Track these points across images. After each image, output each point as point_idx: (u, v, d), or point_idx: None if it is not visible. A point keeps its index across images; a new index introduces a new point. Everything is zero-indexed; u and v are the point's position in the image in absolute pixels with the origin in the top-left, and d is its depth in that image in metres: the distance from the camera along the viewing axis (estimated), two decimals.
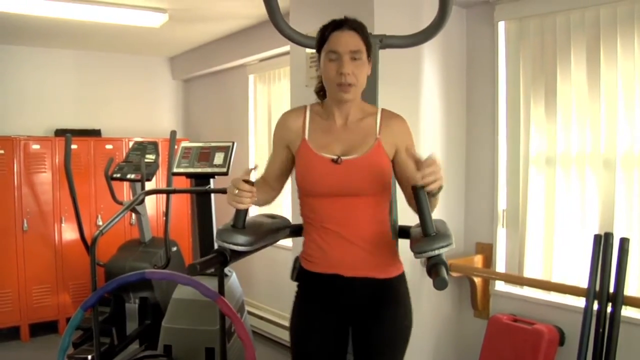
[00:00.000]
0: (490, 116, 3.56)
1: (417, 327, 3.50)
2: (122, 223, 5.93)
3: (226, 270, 4.06)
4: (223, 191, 4.35)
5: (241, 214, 2.06)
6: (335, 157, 2.06)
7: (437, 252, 1.87)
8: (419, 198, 1.84)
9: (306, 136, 2.12)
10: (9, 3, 4.26)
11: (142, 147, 5.05)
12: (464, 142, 3.72)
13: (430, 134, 3.55)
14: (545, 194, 3.36)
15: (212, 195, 4.13)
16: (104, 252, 5.35)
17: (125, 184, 5.31)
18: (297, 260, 2.24)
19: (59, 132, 5.83)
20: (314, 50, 2.15)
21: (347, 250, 2.09)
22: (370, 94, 2.36)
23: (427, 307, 3.60)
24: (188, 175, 4.16)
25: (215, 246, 2.24)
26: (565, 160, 3.29)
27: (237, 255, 2.17)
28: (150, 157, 4.95)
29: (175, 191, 4.39)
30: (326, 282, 2.12)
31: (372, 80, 2.37)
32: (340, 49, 1.98)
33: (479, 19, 3.63)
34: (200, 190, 4.12)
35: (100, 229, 3.79)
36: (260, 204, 2.26)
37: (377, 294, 2.11)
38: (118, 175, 4.90)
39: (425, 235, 1.88)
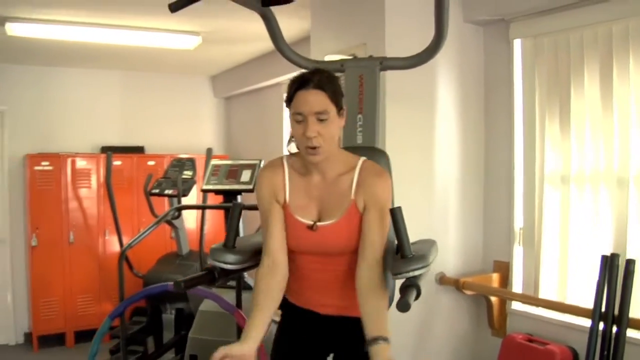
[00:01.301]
0: (508, 133, 3.59)
1: (432, 345, 3.59)
2: (163, 237, 6.16)
3: (250, 282, 4.21)
4: (249, 207, 4.53)
5: (231, 233, 2.17)
6: (310, 223, 2.04)
7: (411, 273, 1.92)
8: (396, 219, 1.90)
9: (287, 197, 2.08)
10: (61, 31, 4.61)
11: (180, 164, 5.25)
12: (482, 159, 3.75)
13: (446, 151, 3.61)
14: (560, 213, 3.35)
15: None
16: (145, 264, 5.60)
17: (166, 199, 5.52)
18: None
19: (105, 149, 6.10)
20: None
21: (321, 291, 2.16)
22: (369, 121, 2.46)
23: (443, 325, 3.65)
24: (217, 192, 4.33)
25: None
26: (579, 179, 3.28)
27: (226, 273, 2.27)
28: (187, 174, 5.15)
29: (203, 207, 4.57)
30: (307, 316, 2.20)
31: (371, 106, 2.46)
32: (304, 109, 1.92)
33: (495, 37, 3.67)
34: (227, 206, 4.28)
35: (129, 243, 3.97)
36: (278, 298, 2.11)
37: (350, 329, 2.14)
38: (157, 190, 5.10)
39: (403, 257, 1.94)
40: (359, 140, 2.46)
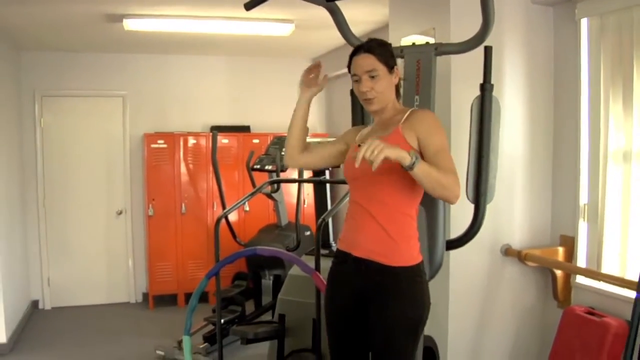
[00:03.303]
0: (575, 112, 3.63)
1: (497, 315, 3.75)
2: (267, 209, 6.64)
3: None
4: (336, 181, 4.87)
5: None
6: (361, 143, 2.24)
7: None
8: None
9: (356, 139, 2.47)
10: (171, 24, 5.15)
11: (280, 142, 5.60)
12: (551, 137, 3.81)
13: (514, 129, 3.68)
14: (622, 190, 3.40)
15: (327, 185, 4.64)
16: (249, 233, 6.08)
17: (266, 174, 5.89)
18: None
19: (214, 129, 6.55)
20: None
21: (363, 229, 2.32)
22: (425, 101, 2.70)
23: (508, 296, 3.76)
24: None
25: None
26: None
27: None
28: None
29: (294, 180, 4.93)
30: (342, 259, 2.40)
31: (427, 87, 2.70)
32: (358, 71, 2.32)
33: (563, 17, 3.70)
34: (315, 180, 4.64)
35: (225, 210, 4.39)
36: (295, 142, 2.61)
37: (380, 279, 2.28)
38: (258, 166, 5.52)
39: None
40: None
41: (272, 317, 5.22)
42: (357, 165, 2.02)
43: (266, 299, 5.60)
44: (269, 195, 5.65)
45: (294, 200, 6.00)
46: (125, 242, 6.82)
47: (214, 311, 5.05)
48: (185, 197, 6.55)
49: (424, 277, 2.34)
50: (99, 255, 6.67)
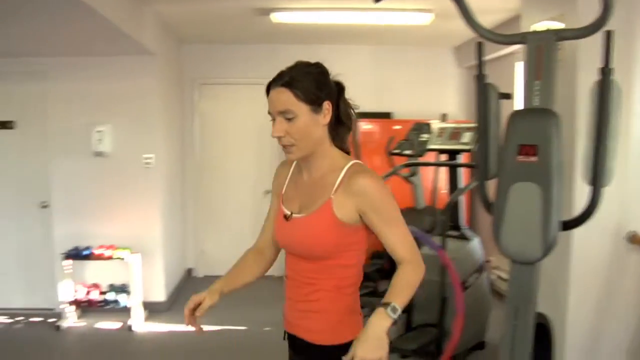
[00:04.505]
0: None
1: (619, 303, 3.70)
2: (406, 193, 6.82)
3: (468, 234, 4.68)
4: (469, 165, 4.98)
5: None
6: (288, 212, 1.98)
7: None
8: None
9: (284, 189, 2.08)
10: (316, 16, 5.54)
11: (419, 127, 5.81)
12: None
13: None
14: None
15: (459, 168, 4.77)
16: None
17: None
18: None
19: (357, 115, 6.86)
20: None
21: (291, 306, 2.05)
22: (546, 86, 2.73)
23: (632, 285, 3.67)
24: (439, 151, 4.84)
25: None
26: None
27: None
28: (424, 136, 5.72)
29: (428, 164, 5.10)
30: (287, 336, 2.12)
31: (548, 73, 2.74)
32: (270, 109, 1.89)
33: None
34: (450, 163, 4.78)
35: None
36: (247, 280, 2.14)
37: (304, 356, 2.03)
38: (397, 151, 5.75)
39: None
40: (536, 103, 2.79)
41: None
42: None
43: None
44: (407, 179, 5.86)
45: (432, 185, 6.16)
46: None
47: None
48: None
49: None
50: (246, 231, 7.14)
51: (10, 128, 6.06)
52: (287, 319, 2.07)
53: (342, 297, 1.95)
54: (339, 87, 2.03)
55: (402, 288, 1.84)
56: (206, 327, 2.09)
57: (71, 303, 5.77)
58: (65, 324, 5.69)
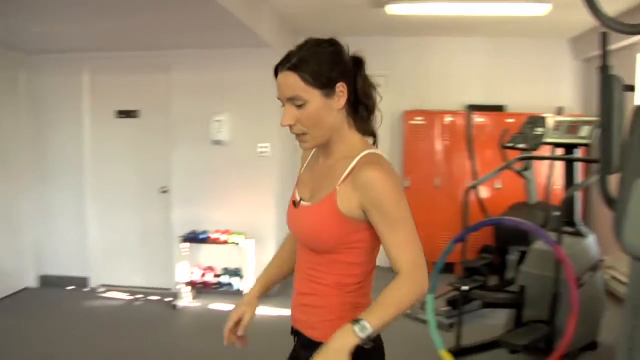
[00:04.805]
0: None
1: None
2: (518, 187, 6.72)
3: (584, 230, 4.56)
4: (587, 160, 4.83)
5: None
6: (297, 199, 1.84)
7: None
8: None
9: (301, 172, 1.95)
10: (431, 7, 5.55)
11: (533, 121, 5.69)
12: None
13: None
14: None
15: (576, 163, 4.64)
16: (500, 210, 6.24)
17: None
18: None
19: (469, 107, 6.76)
20: None
21: (295, 299, 1.91)
22: None
23: None
24: (556, 145, 4.73)
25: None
26: None
27: None
28: (539, 130, 5.60)
29: (541, 157, 4.99)
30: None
31: None
32: (278, 95, 1.71)
33: None
34: (564, 157, 4.67)
35: (474, 182, 4.66)
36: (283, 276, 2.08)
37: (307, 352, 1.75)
38: (510, 144, 5.67)
39: None
40: None
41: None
42: None
43: (510, 275, 5.76)
44: (519, 173, 5.79)
45: (546, 181, 6.05)
46: None
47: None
48: (439, 171, 6.95)
49: None
50: None
51: (135, 117, 6.48)
52: (292, 312, 1.92)
53: (343, 295, 1.76)
54: (357, 63, 1.78)
55: (384, 305, 1.59)
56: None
57: (187, 284, 6.11)
58: (181, 303, 6.02)
